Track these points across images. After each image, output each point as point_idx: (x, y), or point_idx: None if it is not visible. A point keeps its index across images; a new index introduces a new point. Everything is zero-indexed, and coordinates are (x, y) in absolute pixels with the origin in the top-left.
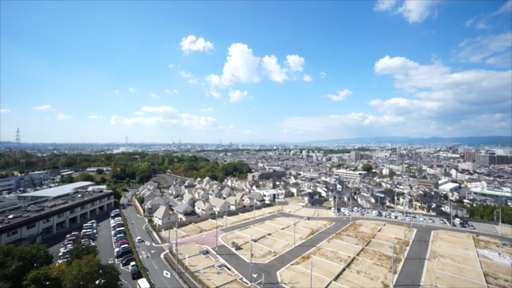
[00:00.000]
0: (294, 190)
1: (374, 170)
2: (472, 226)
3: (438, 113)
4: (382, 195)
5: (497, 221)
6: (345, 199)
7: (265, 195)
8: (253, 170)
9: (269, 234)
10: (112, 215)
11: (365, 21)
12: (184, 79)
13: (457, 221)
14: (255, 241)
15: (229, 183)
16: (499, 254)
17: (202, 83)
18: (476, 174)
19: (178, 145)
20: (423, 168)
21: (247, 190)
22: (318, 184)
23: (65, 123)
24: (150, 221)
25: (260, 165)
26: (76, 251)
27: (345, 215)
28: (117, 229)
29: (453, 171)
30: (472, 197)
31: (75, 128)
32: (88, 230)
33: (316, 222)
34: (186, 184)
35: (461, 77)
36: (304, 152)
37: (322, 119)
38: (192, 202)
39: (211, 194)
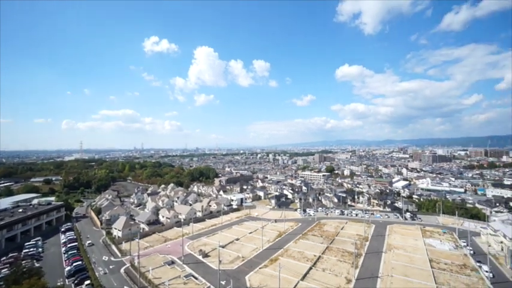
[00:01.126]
0: (261, 193)
1: (336, 171)
2: (420, 219)
3: (391, 117)
4: (344, 195)
5: (439, 212)
6: (310, 200)
7: (232, 200)
8: (220, 175)
9: (237, 239)
10: (62, 229)
11: (326, 31)
12: (146, 81)
13: (408, 215)
14: (223, 247)
15: (195, 189)
16: (440, 241)
17: (166, 85)
18: (422, 172)
19: (140, 151)
20: (379, 168)
21: (214, 195)
22: (284, 187)
23: (1, 128)
24: (109, 233)
25: (227, 169)
26: (14, 276)
27: (310, 215)
28: (69, 245)
29: (404, 170)
30: (419, 193)
31: (16, 133)
32: (31, 250)
33: (283, 224)
34: (149, 192)
35: (408, 86)
36: (270, 156)
37: (288, 123)
38: (156, 210)
39: (176, 201)
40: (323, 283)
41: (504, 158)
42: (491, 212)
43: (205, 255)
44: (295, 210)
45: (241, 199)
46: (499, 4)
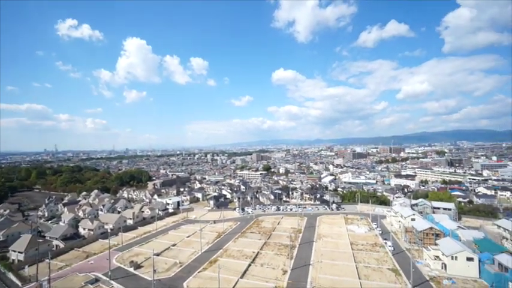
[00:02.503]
0: (199, 195)
1: (273, 170)
2: (343, 208)
3: (320, 119)
4: (280, 192)
5: (358, 201)
6: (248, 198)
7: (168, 204)
8: (154, 178)
9: (174, 245)
10: None
11: (264, 35)
12: (62, 71)
13: (334, 206)
14: (158, 255)
15: (125, 194)
16: (358, 226)
17: (89, 78)
18: (345, 168)
19: (53, 153)
20: (310, 166)
21: (147, 200)
22: (223, 187)
23: None
24: (3, 258)
25: (162, 171)
26: None
27: (249, 213)
28: None
29: (331, 167)
30: (343, 186)
31: None
32: None
33: (222, 225)
34: (65, 201)
35: (334, 91)
36: (209, 156)
37: (226, 123)
38: (75, 222)
39: (101, 210)
40: (261, 277)
41: (402, 154)
42: (393, 198)
43: (138, 266)
44: (234, 209)
45: (178, 202)
46: (397, 30)
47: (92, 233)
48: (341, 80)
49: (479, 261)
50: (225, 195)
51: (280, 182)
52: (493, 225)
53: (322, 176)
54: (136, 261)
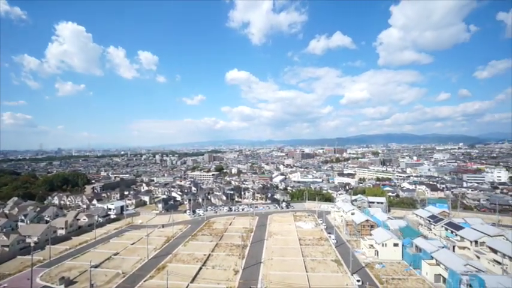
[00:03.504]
0: (146, 198)
1: (225, 170)
2: (292, 206)
3: (272, 120)
4: (232, 192)
5: (305, 199)
6: (200, 200)
7: (110, 209)
8: (93, 181)
9: (116, 254)
10: None
11: (218, 34)
12: None
13: (284, 204)
14: (96, 267)
15: (56, 201)
16: (305, 222)
17: (6, 63)
18: (294, 168)
19: None
20: (262, 166)
21: (84, 206)
22: (172, 189)
23: None
24: None
25: (103, 174)
26: None
27: (200, 215)
28: None
29: (281, 167)
30: (292, 185)
31: None
32: None
33: (171, 229)
34: None
35: (285, 94)
36: (157, 157)
37: (177, 122)
38: None
39: (22, 221)
40: (213, 280)
41: (344, 154)
42: (336, 195)
43: (70, 283)
44: (185, 212)
45: (122, 207)
46: (342, 41)
47: (7, 249)
48: (292, 84)
49: (403, 245)
50: (174, 198)
51: (233, 182)
52: (412, 214)
53: (273, 175)
54: (68, 277)
